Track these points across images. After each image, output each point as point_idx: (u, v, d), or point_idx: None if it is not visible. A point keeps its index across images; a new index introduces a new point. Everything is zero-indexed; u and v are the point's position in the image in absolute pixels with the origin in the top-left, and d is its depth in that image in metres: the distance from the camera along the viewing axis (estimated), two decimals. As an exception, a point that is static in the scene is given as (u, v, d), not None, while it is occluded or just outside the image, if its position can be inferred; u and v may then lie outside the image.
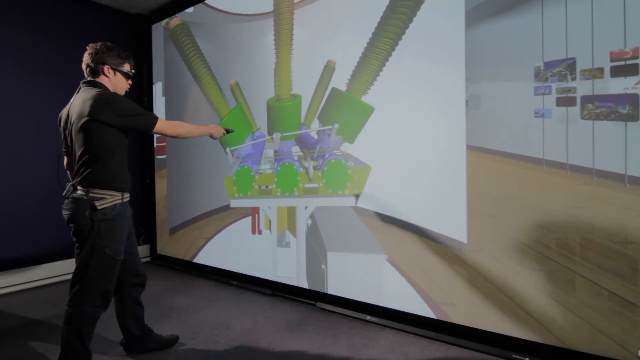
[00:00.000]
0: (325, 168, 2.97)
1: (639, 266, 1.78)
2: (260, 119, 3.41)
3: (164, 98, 4.28)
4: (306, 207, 3.12)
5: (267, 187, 3.40)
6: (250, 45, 3.42)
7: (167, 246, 4.32)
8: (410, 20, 2.45)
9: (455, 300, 2.32)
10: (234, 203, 3.63)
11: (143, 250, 4.47)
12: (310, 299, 3.00)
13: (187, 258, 4.03)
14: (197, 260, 3.93)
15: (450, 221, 2.32)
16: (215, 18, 3.67)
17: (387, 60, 2.58)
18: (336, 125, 2.88)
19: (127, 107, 1.84)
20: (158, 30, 4.28)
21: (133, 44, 4.42)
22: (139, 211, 4.47)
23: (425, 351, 2.24)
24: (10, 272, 3.44)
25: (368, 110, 2.70)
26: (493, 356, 2.15)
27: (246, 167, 3.55)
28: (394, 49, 2.54)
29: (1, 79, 3.48)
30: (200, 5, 3.78)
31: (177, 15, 4.02)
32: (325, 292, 2.92)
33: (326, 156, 2.97)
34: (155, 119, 1.92)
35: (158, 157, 4.39)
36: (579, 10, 1.88)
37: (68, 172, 2.06)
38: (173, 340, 2.35)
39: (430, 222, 2.41)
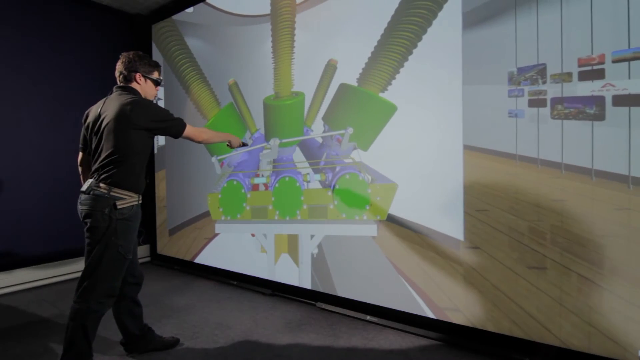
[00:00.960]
0: (337, 186, 2.48)
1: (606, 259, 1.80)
2: (260, 117, 3.20)
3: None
4: (312, 236, 2.59)
5: (262, 207, 2.79)
6: (250, 44, 3.34)
7: (167, 246, 4.31)
8: (438, 12, 2.34)
9: (455, 300, 2.32)
10: (219, 228, 3.09)
11: (143, 250, 4.47)
12: (310, 299, 3.00)
13: (187, 258, 4.02)
14: (197, 260, 3.92)
15: (448, 218, 2.32)
16: (214, 18, 3.62)
17: (410, 54, 2.41)
18: (350, 130, 2.45)
19: (161, 113, 1.98)
20: (158, 30, 4.28)
21: (133, 44, 4.42)
22: (139, 211, 4.47)
23: (425, 351, 2.25)
24: (10, 272, 3.44)
25: (389, 110, 2.41)
26: (493, 356, 2.15)
27: (235, 182, 2.95)
28: (420, 39, 2.39)
29: (1, 79, 3.48)
30: (198, 5, 3.74)
31: (176, 15, 4.01)
32: (325, 291, 2.91)
33: (337, 169, 2.49)
34: (184, 125, 2.05)
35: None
36: (549, 20, 2.02)
37: (81, 167, 2.14)
38: (174, 343, 2.35)
39: (428, 220, 2.40)
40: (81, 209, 1.93)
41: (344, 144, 2.46)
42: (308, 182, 2.64)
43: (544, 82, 2.04)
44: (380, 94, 2.54)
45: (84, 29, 3.96)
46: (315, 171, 2.60)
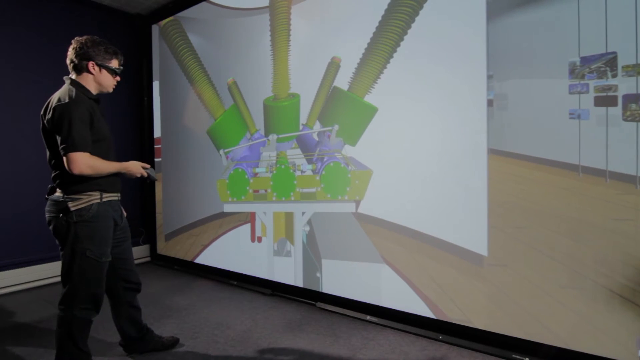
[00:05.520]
0: (323, 172, 2.85)
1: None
2: (259, 117, 3.31)
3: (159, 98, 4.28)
4: (303, 213, 3.00)
5: (264, 191, 3.23)
6: (249, 42, 3.35)
7: (164, 251, 4.32)
8: (417, 14, 2.35)
9: (471, 317, 2.25)
10: (227, 208, 3.54)
11: (143, 250, 4.47)
12: (310, 299, 2.99)
13: (187, 259, 4.02)
14: (197, 261, 3.92)
15: (468, 231, 2.21)
16: (212, 13, 3.61)
17: (392, 57, 2.48)
18: (336, 127, 2.76)
19: (62, 122, 1.71)
20: (158, 30, 4.27)
21: (133, 44, 4.42)
22: (138, 211, 4.47)
23: (425, 351, 2.24)
24: (10, 272, 3.44)
25: (370, 111, 2.59)
26: (493, 356, 2.15)
27: (240, 170, 3.40)
28: (398, 45, 2.45)
29: (1, 79, 3.48)
30: (198, 2, 3.73)
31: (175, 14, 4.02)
32: (325, 291, 2.91)
33: (325, 159, 2.85)
34: (78, 149, 1.71)
35: (156, 159, 4.38)
36: None
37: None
38: (173, 343, 2.34)
39: (445, 232, 2.31)
40: (45, 215, 1.86)
41: (332, 139, 2.80)
42: (302, 171, 3.02)
43: (614, 76, 1.70)
44: (390, 95, 2.53)
45: (84, 29, 3.95)
46: (309, 162, 2.99)
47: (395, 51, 2.48)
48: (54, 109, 1.74)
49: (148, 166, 2.04)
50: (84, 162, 1.72)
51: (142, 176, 2.00)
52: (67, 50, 1.90)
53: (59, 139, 1.74)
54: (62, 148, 1.72)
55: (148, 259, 4.50)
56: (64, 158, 1.72)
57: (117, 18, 4.29)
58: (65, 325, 1.81)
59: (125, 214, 2.12)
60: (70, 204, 1.77)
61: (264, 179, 3.25)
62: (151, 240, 4.49)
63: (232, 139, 3.50)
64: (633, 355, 1.80)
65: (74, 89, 1.81)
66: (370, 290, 2.67)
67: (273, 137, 3.18)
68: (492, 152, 2.13)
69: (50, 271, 3.66)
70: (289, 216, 3.12)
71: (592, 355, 1.89)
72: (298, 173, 3.03)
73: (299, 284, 3.07)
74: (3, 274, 3.40)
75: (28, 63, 3.63)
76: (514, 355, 2.10)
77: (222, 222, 3.63)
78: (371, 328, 2.56)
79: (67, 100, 1.75)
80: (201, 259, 3.86)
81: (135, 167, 1.96)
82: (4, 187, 3.48)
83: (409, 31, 2.42)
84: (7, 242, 3.48)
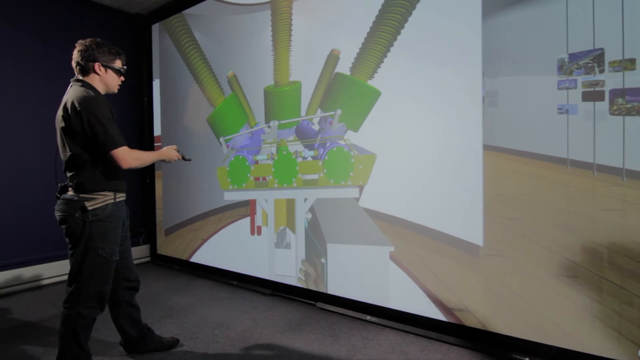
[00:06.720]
0: (326, 157, 2.80)
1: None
2: (259, 111, 3.30)
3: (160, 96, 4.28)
4: (305, 199, 2.96)
5: (264, 178, 3.21)
6: (249, 36, 3.37)
7: (164, 246, 4.32)
8: (417, 1, 2.36)
9: (469, 305, 2.25)
10: (227, 195, 3.51)
11: (143, 250, 4.47)
12: (310, 299, 3.00)
13: (185, 257, 4.03)
14: (195, 258, 3.93)
15: (464, 223, 2.23)
16: (214, 9, 3.62)
17: (392, 44, 2.46)
18: (339, 111, 2.71)
19: (92, 123, 1.75)
20: (158, 29, 4.27)
21: (133, 43, 4.42)
22: (139, 211, 4.47)
23: (425, 351, 2.24)
24: (10, 272, 3.44)
25: (374, 95, 2.54)
26: (493, 356, 2.15)
27: (241, 157, 3.38)
28: (399, 33, 2.43)
29: (1, 79, 3.48)
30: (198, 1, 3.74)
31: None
32: (325, 291, 2.91)
33: (327, 144, 2.81)
34: (118, 145, 1.79)
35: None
36: None
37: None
38: (173, 343, 2.34)
39: (442, 223, 2.33)
40: (56, 214, 1.86)
41: (334, 124, 2.77)
42: (304, 157, 2.99)
43: (602, 71, 1.74)
44: (390, 91, 2.52)
45: (83, 29, 3.95)
46: (310, 149, 2.96)
47: (395, 39, 2.45)
48: (80, 112, 1.75)
49: (176, 147, 2.16)
50: (129, 156, 1.82)
51: (178, 159, 2.14)
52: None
53: (94, 139, 1.77)
54: (103, 148, 1.78)
55: (148, 259, 4.50)
56: (109, 156, 1.79)
57: (117, 18, 4.29)
58: (71, 323, 1.82)
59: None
60: (87, 204, 1.80)
61: (265, 165, 3.21)
62: (151, 240, 4.49)
63: (232, 127, 3.48)
64: (633, 355, 1.80)
65: (89, 90, 1.84)
66: (370, 289, 2.67)
67: (274, 122, 3.13)
68: (486, 147, 2.16)
69: (51, 271, 3.66)
70: (291, 203, 3.07)
71: (592, 355, 1.89)
72: (300, 159, 2.99)
73: (300, 276, 3.05)
74: (3, 274, 3.40)
75: (28, 63, 3.62)
76: (514, 355, 2.10)
77: (222, 216, 3.63)
78: (371, 328, 2.56)
79: (90, 100, 1.78)
80: (201, 254, 3.86)
81: (172, 152, 2.12)
82: (4, 187, 3.48)
83: (410, 27, 2.42)
84: (7, 242, 3.48)
